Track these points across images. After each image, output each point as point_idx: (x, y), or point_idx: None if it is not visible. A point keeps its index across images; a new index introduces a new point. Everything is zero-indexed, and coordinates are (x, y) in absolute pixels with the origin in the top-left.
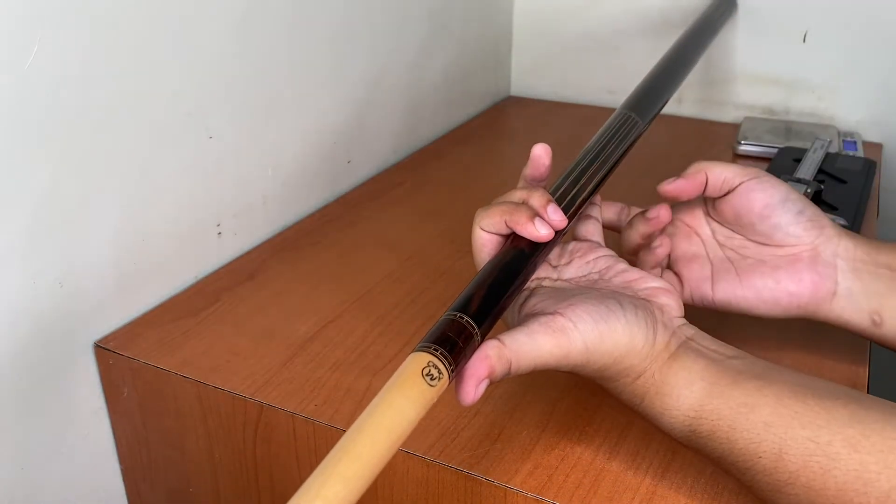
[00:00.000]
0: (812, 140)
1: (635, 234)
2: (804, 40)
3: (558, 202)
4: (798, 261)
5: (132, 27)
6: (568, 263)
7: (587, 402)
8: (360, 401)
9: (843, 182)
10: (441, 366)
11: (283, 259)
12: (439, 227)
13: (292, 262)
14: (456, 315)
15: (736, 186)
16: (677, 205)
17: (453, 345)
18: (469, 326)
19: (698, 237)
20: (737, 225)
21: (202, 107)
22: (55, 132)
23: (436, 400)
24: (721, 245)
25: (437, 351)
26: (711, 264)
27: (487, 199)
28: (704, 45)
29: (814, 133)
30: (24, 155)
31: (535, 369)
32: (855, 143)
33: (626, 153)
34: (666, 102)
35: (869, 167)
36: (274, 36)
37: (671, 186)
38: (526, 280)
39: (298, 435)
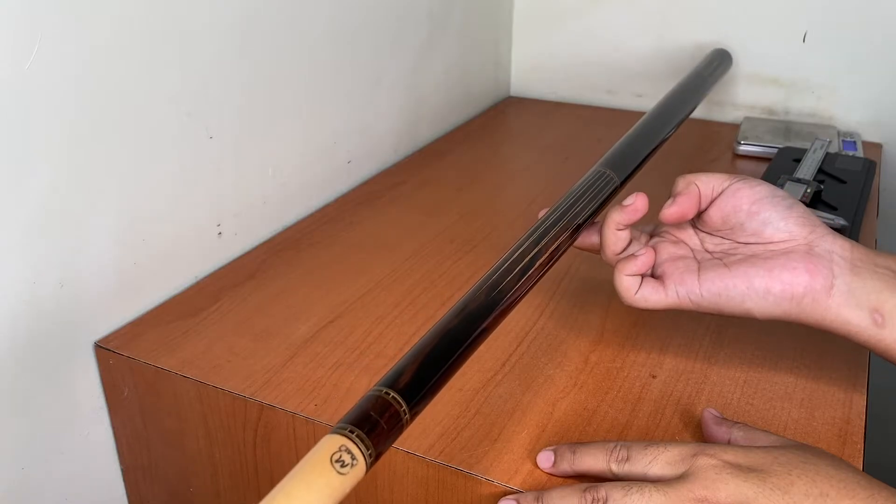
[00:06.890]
0: (812, 140)
1: (610, 228)
2: (804, 40)
3: (518, 261)
4: (792, 252)
5: (132, 27)
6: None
7: (587, 402)
8: None
9: (843, 182)
10: (356, 450)
11: (283, 259)
12: (439, 227)
13: (292, 262)
14: (382, 391)
15: (723, 190)
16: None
17: (374, 425)
18: (395, 403)
19: (686, 245)
20: (725, 229)
21: (202, 107)
22: (55, 132)
23: (350, 487)
24: (710, 252)
25: (352, 433)
26: (698, 263)
27: (487, 199)
28: (692, 104)
29: (813, 133)
30: (24, 155)
31: None
32: (854, 143)
33: (601, 209)
34: (646, 161)
35: (869, 167)
36: (274, 36)
37: (673, 209)
38: (471, 350)
39: (298, 435)
